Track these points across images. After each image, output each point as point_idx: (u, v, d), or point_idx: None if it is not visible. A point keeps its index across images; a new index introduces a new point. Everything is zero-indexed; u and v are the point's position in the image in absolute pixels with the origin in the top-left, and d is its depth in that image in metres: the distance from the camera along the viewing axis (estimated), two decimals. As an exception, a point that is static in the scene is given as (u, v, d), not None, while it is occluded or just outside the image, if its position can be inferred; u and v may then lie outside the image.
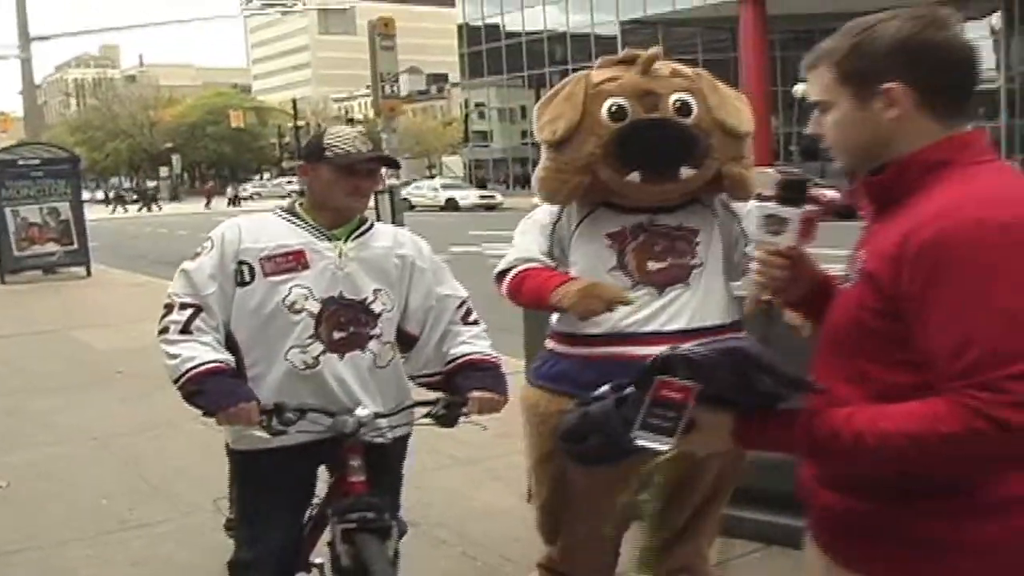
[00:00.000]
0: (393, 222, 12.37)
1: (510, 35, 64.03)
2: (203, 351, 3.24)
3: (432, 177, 66.15)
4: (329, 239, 3.42)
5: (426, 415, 3.41)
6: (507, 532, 5.16)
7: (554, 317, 3.86)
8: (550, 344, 3.88)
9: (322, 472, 3.61)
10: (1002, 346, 1.70)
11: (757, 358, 1.92)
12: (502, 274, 3.86)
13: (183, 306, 3.30)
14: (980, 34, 45.15)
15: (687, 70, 3.82)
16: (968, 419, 1.70)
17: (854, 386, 1.93)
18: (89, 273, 19.80)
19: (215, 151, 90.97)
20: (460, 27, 69.30)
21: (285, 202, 3.60)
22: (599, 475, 3.65)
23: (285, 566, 3.53)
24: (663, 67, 3.79)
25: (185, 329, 3.27)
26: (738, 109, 3.75)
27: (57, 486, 6.42)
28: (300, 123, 65.17)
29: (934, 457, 1.77)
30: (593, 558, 4.10)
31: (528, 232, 3.94)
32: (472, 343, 3.56)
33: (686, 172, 3.61)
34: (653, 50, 3.81)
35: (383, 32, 12.17)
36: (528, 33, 62.16)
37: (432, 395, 3.56)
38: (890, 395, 1.83)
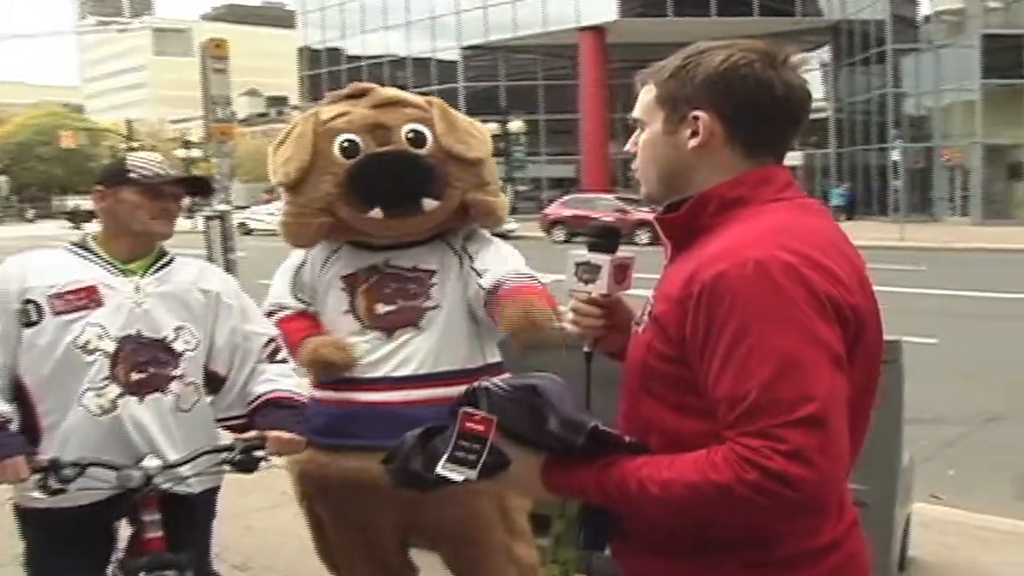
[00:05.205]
0: (225, 249, 11.96)
1: (351, 59, 63.38)
2: None
3: (270, 202, 65.08)
4: (124, 274, 3.16)
5: (222, 462, 3.13)
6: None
7: None
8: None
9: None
10: (776, 392, 1.60)
11: (546, 395, 1.81)
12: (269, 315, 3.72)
13: None
14: (810, 67, 46.95)
15: (419, 99, 3.71)
16: (739, 469, 1.60)
17: (647, 434, 1.83)
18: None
19: (45, 172, 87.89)
20: (301, 50, 68.40)
21: (76, 237, 3.32)
22: (348, 533, 3.71)
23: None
24: (393, 98, 3.68)
25: None
26: (469, 135, 3.63)
27: None
28: (135, 144, 63.32)
29: (712, 507, 1.67)
30: None
31: (281, 275, 3.83)
32: (275, 380, 3.33)
33: (429, 204, 3.50)
34: (367, 86, 3.74)
35: (215, 54, 11.76)
36: (369, 57, 61.65)
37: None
38: (683, 444, 1.72)
